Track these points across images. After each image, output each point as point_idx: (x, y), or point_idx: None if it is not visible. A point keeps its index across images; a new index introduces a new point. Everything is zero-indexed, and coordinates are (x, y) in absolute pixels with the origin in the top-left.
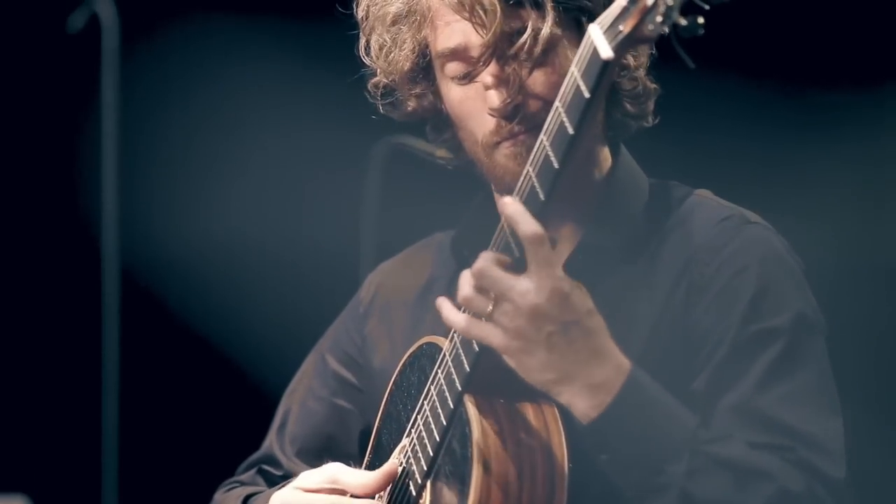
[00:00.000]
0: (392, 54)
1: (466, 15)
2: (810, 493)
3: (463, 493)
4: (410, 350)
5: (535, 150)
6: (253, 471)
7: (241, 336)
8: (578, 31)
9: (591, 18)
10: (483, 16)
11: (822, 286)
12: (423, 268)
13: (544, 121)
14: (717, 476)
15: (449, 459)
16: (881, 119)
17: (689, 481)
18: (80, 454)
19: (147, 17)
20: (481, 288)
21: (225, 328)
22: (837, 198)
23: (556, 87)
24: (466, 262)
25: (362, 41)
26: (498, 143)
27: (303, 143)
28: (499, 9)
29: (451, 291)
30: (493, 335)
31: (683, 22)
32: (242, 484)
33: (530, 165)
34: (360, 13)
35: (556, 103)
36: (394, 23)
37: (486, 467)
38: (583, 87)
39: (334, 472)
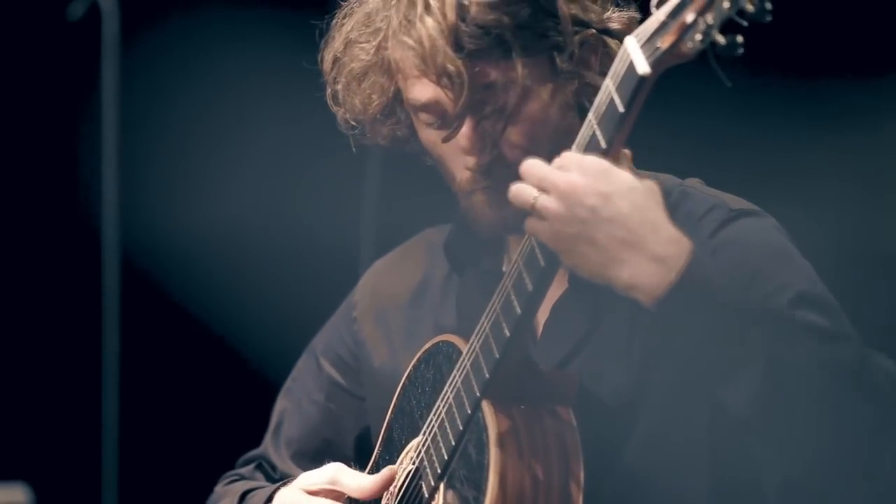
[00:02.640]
0: (362, 104)
1: (434, 79)
2: (890, 374)
3: (478, 500)
4: (425, 346)
5: None
6: (252, 465)
7: (241, 325)
8: (551, 68)
9: (562, 52)
10: (450, 83)
11: (822, 275)
12: (415, 268)
13: (513, 172)
14: (800, 337)
15: (464, 464)
16: (881, 107)
17: (775, 346)
18: (80, 442)
19: (147, 5)
20: (526, 179)
21: (225, 317)
22: (837, 187)
23: (530, 135)
24: (460, 263)
25: (329, 90)
26: (473, 192)
27: (303, 132)
28: (465, 75)
29: (444, 291)
30: (540, 227)
31: (722, 41)
32: (242, 477)
33: None
34: (327, 65)
35: (590, 115)
36: (362, 73)
37: (502, 476)
38: (617, 102)
39: (334, 473)
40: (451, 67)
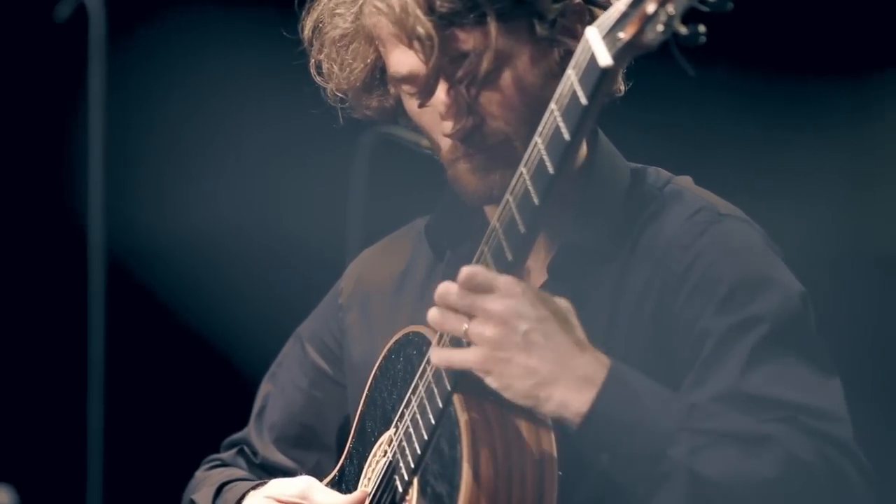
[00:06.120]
0: (345, 72)
1: (406, 44)
2: (822, 456)
3: (451, 496)
4: (395, 337)
5: (529, 151)
6: (234, 450)
7: (228, 326)
8: (530, 35)
9: (542, 19)
10: (421, 46)
11: (810, 275)
12: (401, 256)
13: (499, 139)
14: (721, 449)
15: (437, 458)
16: (869, 107)
17: (693, 461)
18: (65, 444)
19: (134, 6)
20: (451, 308)
21: (212, 318)
22: (825, 186)
23: (509, 104)
24: (441, 250)
25: (312, 61)
26: (456, 159)
27: (290, 132)
28: (436, 38)
29: (429, 278)
30: (469, 356)
31: (684, 31)
32: (224, 463)
33: (524, 167)
34: (307, 34)
35: (552, 105)
36: (343, 42)
37: (475, 472)
38: (580, 94)
39: (305, 487)
40: (420, 30)
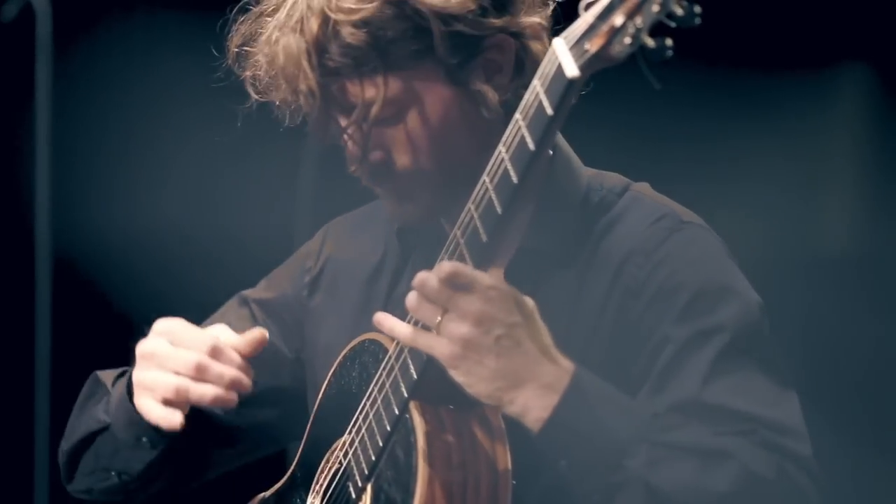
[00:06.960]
0: (272, 91)
1: (293, 97)
2: (781, 471)
3: (406, 502)
4: (351, 344)
5: (492, 161)
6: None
7: None
8: (437, 77)
9: (443, 63)
10: (304, 100)
11: (758, 277)
12: (374, 245)
13: (407, 175)
14: (677, 463)
15: (392, 465)
16: (817, 107)
17: (650, 473)
18: (11, 442)
19: (81, 6)
20: (428, 298)
21: (159, 316)
22: (773, 187)
23: (413, 143)
24: (409, 250)
25: (246, 74)
26: (371, 186)
27: (238, 130)
28: (317, 93)
29: (399, 277)
30: (439, 346)
31: (651, 44)
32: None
33: (487, 176)
34: (231, 56)
35: (517, 115)
36: (264, 66)
37: (430, 480)
38: (546, 104)
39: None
40: (303, 86)
